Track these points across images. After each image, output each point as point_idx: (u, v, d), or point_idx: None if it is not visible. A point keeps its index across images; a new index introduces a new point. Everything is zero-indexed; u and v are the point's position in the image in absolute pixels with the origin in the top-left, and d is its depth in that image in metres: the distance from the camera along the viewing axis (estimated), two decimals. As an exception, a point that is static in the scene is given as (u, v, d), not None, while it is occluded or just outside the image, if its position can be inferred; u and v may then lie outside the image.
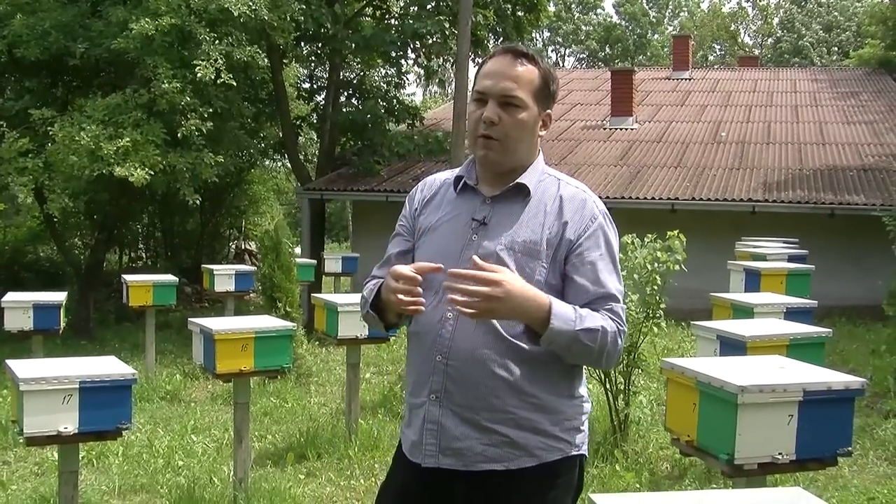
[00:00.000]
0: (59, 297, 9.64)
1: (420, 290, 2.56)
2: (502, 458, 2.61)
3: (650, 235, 7.36)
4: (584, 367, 2.79)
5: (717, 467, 3.92)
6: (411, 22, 17.69)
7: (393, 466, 2.88)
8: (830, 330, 5.92)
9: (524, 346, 2.59)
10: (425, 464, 2.66)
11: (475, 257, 2.51)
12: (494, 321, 2.57)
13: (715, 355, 5.47)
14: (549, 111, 2.75)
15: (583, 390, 2.75)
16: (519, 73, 2.67)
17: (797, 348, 5.35)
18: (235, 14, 13.60)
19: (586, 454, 2.77)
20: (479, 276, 2.44)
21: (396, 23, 19.22)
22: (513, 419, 2.59)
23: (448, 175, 2.87)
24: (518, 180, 2.70)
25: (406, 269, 2.56)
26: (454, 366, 2.61)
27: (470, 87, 2.93)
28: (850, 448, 3.84)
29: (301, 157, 21.01)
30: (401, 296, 2.55)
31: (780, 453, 3.69)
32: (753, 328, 5.57)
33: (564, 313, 2.51)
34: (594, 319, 2.54)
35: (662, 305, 7.28)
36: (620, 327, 2.59)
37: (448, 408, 2.62)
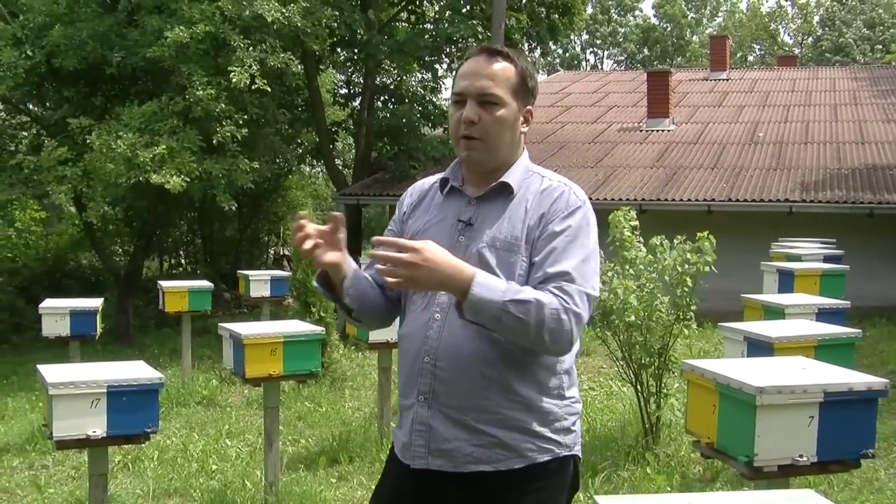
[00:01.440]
0: (96, 303, 9.75)
1: (306, 225, 2.64)
2: (491, 458, 2.61)
3: (679, 237, 7.32)
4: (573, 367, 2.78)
5: (737, 469, 3.90)
6: (445, 26, 17.73)
7: (386, 468, 2.89)
8: (860, 331, 5.84)
9: (509, 345, 2.57)
10: (415, 465, 2.66)
11: (377, 237, 2.55)
12: None
13: (742, 356, 5.43)
14: (529, 107, 2.76)
15: (574, 391, 2.74)
16: (495, 70, 2.68)
17: (825, 349, 5.29)
18: (269, 21, 13.73)
19: (580, 455, 2.76)
20: (400, 242, 2.46)
21: (431, 27, 19.27)
22: (501, 420, 2.59)
23: (436, 179, 2.89)
24: (502, 179, 2.71)
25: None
26: (442, 367, 2.61)
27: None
28: (873, 450, 3.79)
29: (338, 162, 21.12)
30: (304, 246, 2.64)
31: (800, 455, 3.65)
32: (781, 329, 5.53)
33: (490, 284, 2.47)
34: (530, 293, 2.49)
35: (693, 307, 7.23)
36: (567, 304, 2.50)
37: (437, 409, 2.63)
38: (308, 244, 2.65)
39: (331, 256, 2.69)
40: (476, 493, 2.64)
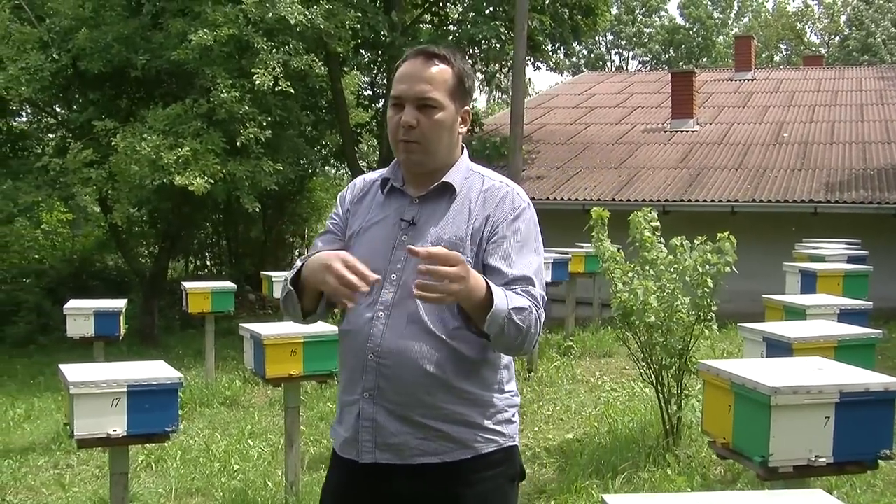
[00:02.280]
0: (120, 304, 9.83)
1: (364, 287, 2.51)
2: (437, 451, 2.64)
3: (700, 238, 7.30)
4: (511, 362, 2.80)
5: (752, 470, 3.89)
6: (468, 28, 17.74)
7: (330, 465, 2.90)
8: (880, 331, 5.79)
9: (454, 343, 2.62)
10: (363, 460, 2.67)
11: (412, 247, 2.46)
12: (424, 318, 2.60)
13: (761, 357, 5.41)
14: (466, 108, 2.79)
15: (512, 385, 2.79)
16: (432, 74, 2.70)
17: (845, 350, 5.26)
18: (292, 23, 13.78)
19: (518, 444, 2.81)
20: (444, 254, 2.40)
21: (454, 29, 19.28)
22: (446, 414, 2.63)
23: (375, 176, 2.90)
24: (444, 179, 2.74)
25: (365, 269, 2.50)
26: (386, 364, 2.63)
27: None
28: (890, 451, 3.78)
29: (362, 164, 21.15)
30: (347, 279, 2.47)
31: (816, 456, 3.64)
32: (800, 330, 5.50)
33: (498, 292, 2.51)
34: (520, 298, 2.55)
35: (714, 308, 7.21)
36: (537, 310, 2.59)
37: (381, 405, 2.65)
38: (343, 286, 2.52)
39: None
40: (424, 485, 2.67)
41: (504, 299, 2.51)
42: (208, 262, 25.33)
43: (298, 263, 2.76)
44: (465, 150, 2.86)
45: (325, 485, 2.92)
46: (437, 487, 2.67)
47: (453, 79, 2.73)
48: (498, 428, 2.71)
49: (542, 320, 2.63)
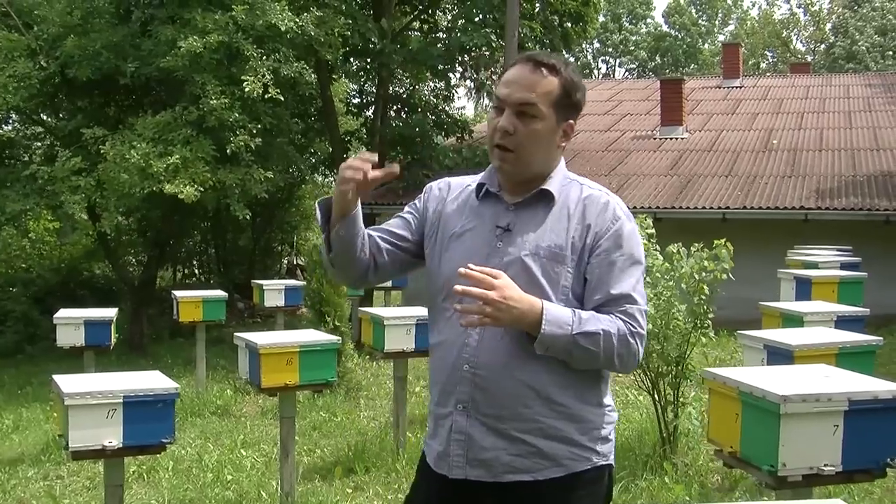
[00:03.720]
0: (110, 313, 9.76)
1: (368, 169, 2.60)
2: (530, 468, 2.58)
3: (696, 245, 7.27)
4: (611, 375, 2.76)
5: (760, 479, 3.85)
6: (458, 35, 17.71)
7: (417, 478, 2.85)
8: (881, 338, 5.78)
9: (551, 354, 2.55)
10: (452, 475, 2.63)
11: (471, 264, 2.49)
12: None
13: (762, 364, 5.38)
14: (571, 121, 2.71)
15: (609, 399, 2.72)
16: (537, 82, 2.63)
17: (846, 357, 5.24)
18: (282, 30, 13.73)
19: (613, 464, 2.74)
20: (485, 272, 2.45)
21: (444, 36, 19.26)
22: (541, 429, 2.57)
23: (468, 181, 2.84)
24: (542, 186, 2.68)
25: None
26: (482, 375, 2.57)
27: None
28: (899, 459, 3.75)
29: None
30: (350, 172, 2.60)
31: (825, 464, 3.60)
32: (801, 337, 5.48)
33: (559, 317, 2.49)
34: (596, 322, 2.51)
35: (711, 315, 7.18)
36: (634, 329, 2.54)
37: (476, 418, 2.59)
38: (354, 176, 2.61)
39: (351, 192, 2.64)
40: (513, 503, 2.61)
41: (567, 324, 2.48)
42: (196, 271, 25.20)
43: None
44: (563, 160, 2.79)
45: (410, 497, 2.89)
46: None
47: (559, 90, 2.66)
48: (592, 445, 2.63)
49: (643, 336, 2.57)
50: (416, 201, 2.90)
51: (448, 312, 2.66)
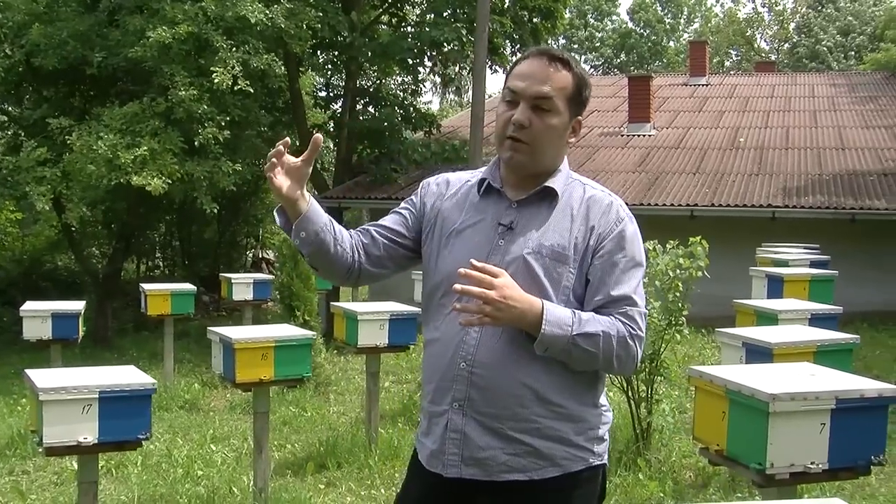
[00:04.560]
0: (78, 306, 9.63)
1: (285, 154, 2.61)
2: (526, 468, 2.56)
3: (672, 242, 7.28)
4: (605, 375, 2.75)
5: (747, 477, 3.85)
6: (428, 30, 17.64)
7: (409, 476, 2.82)
8: (857, 336, 5.83)
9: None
10: (447, 474, 2.60)
11: (473, 260, 2.47)
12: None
13: (740, 362, 5.40)
14: (579, 118, 2.70)
15: (604, 399, 2.72)
16: (553, 77, 2.61)
17: (824, 355, 5.27)
18: (252, 22, 13.61)
19: (608, 463, 2.73)
20: (486, 269, 2.44)
21: (413, 30, 19.19)
22: (538, 429, 2.55)
23: (468, 176, 2.82)
24: (546, 184, 2.66)
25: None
26: (479, 374, 2.55)
27: (490, 91, 2.86)
28: (883, 457, 3.76)
29: (318, 165, 20.98)
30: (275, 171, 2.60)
31: (812, 462, 3.61)
32: (780, 335, 5.50)
33: (559, 318, 2.48)
34: (596, 324, 2.51)
35: (685, 312, 7.20)
36: (634, 331, 2.54)
37: (472, 416, 2.57)
38: (272, 171, 2.60)
39: (283, 182, 2.61)
40: (508, 502, 2.59)
41: (567, 325, 2.47)
42: (161, 263, 24.97)
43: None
44: (566, 159, 2.77)
45: (401, 495, 2.85)
46: None
47: (573, 86, 2.65)
48: (588, 445, 2.62)
49: (642, 339, 2.58)
50: (413, 197, 2.86)
51: (446, 309, 2.63)
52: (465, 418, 2.57)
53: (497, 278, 2.44)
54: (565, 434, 2.57)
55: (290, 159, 2.62)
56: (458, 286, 2.43)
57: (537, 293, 2.52)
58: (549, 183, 2.66)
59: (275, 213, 2.70)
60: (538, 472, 2.56)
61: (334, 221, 2.71)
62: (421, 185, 2.88)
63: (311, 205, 2.64)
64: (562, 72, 2.63)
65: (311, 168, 2.66)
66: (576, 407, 2.59)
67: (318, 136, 2.67)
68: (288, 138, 2.70)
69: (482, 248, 2.61)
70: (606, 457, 2.71)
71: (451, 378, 2.59)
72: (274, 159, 2.59)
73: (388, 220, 2.83)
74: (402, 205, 2.86)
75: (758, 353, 5.27)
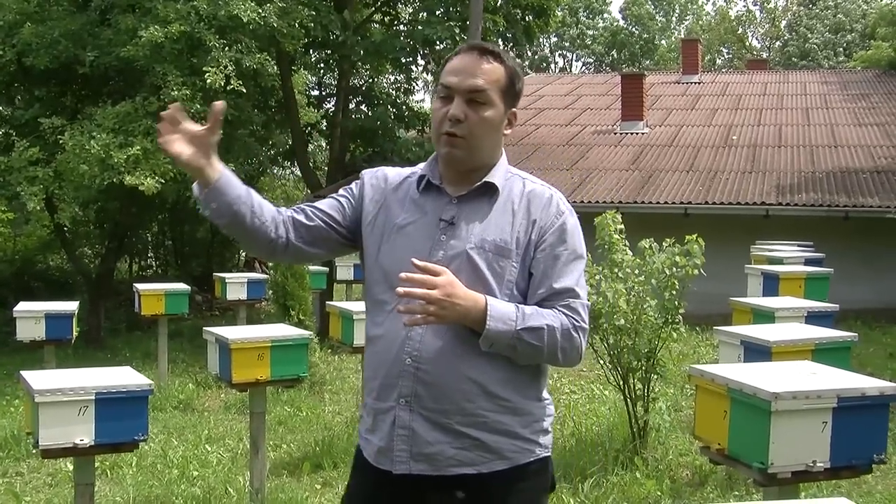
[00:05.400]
0: (72, 306, 9.58)
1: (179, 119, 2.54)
2: (474, 461, 2.57)
3: (668, 240, 7.28)
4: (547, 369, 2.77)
5: (748, 476, 3.83)
6: (421, 28, 17.61)
7: (354, 475, 2.81)
8: (856, 334, 5.84)
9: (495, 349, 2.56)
10: (396, 470, 2.60)
11: (414, 260, 2.48)
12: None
13: (738, 360, 5.39)
14: (514, 109, 2.72)
15: (547, 393, 2.74)
16: (486, 70, 2.63)
17: (822, 353, 5.27)
18: (245, 21, 13.56)
19: (551, 455, 2.76)
20: (430, 268, 2.45)
21: (406, 29, 19.16)
22: (485, 422, 2.56)
23: (406, 172, 2.82)
24: (486, 179, 2.67)
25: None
26: (425, 369, 2.56)
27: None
28: (884, 455, 3.75)
29: (311, 164, 20.94)
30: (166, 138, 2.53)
31: (814, 461, 3.60)
32: (778, 333, 5.49)
33: (503, 313, 2.50)
34: (540, 317, 2.53)
35: (681, 310, 7.19)
36: (577, 323, 2.57)
37: (418, 412, 2.57)
38: (167, 134, 2.53)
39: (182, 150, 2.53)
40: (458, 497, 2.60)
41: (511, 320, 2.50)
42: (154, 263, 24.92)
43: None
44: (505, 153, 2.78)
45: (347, 495, 2.83)
46: (472, 499, 2.60)
47: (505, 78, 2.67)
48: (535, 438, 2.65)
49: (585, 330, 2.60)
50: (352, 187, 2.84)
51: (388, 305, 2.63)
52: (413, 414, 2.57)
53: (439, 276, 2.45)
54: (512, 427, 2.59)
55: (190, 127, 2.55)
56: (400, 289, 2.44)
57: (481, 288, 2.54)
58: (489, 178, 2.67)
59: (193, 186, 2.63)
60: (486, 466, 2.58)
61: (254, 193, 2.66)
62: (360, 175, 2.87)
63: (222, 175, 2.58)
64: (494, 64, 2.65)
65: (218, 136, 2.57)
66: (521, 400, 2.61)
67: (221, 102, 2.61)
68: (178, 103, 2.62)
69: (424, 245, 2.62)
70: (551, 449, 2.74)
71: (396, 374, 2.59)
72: (167, 126, 2.53)
73: (325, 204, 2.80)
74: (341, 192, 2.84)
75: (756, 352, 5.26)
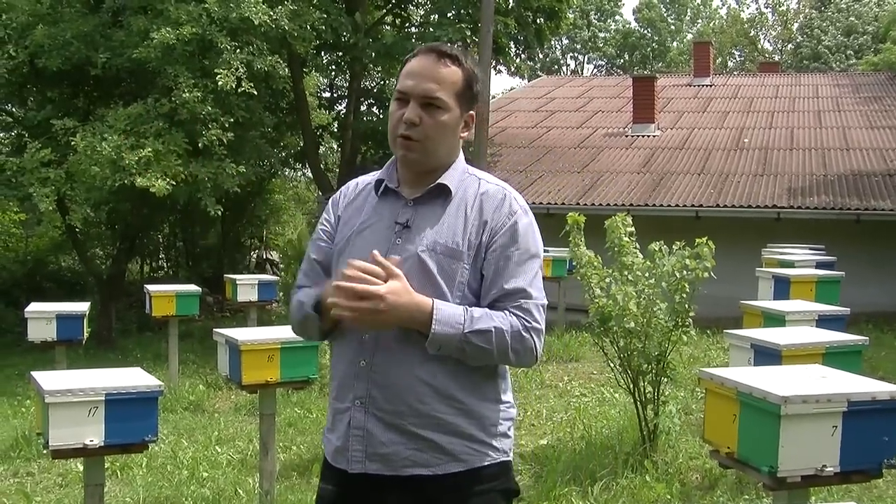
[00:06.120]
0: (83, 307, 9.60)
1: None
2: (429, 462, 2.58)
3: (678, 243, 7.26)
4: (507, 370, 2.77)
5: (758, 480, 3.82)
6: (432, 30, 17.63)
7: (322, 474, 2.81)
8: (867, 338, 5.81)
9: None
10: (352, 470, 2.61)
11: (375, 252, 2.51)
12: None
13: (749, 364, 5.37)
14: (471, 112, 2.73)
15: (508, 396, 2.73)
16: (442, 74, 2.63)
17: (833, 357, 5.25)
18: (256, 23, 13.61)
19: (511, 459, 2.75)
20: (360, 290, 2.45)
21: (417, 31, 19.18)
22: (439, 424, 2.57)
23: (369, 178, 2.83)
24: (439, 181, 2.67)
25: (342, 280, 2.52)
26: (378, 371, 2.57)
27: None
28: (895, 460, 3.73)
29: (322, 166, 20.98)
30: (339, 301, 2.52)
31: (823, 465, 3.58)
32: (788, 336, 5.47)
33: (449, 317, 2.50)
34: (489, 320, 2.53)
35: (692, 314, 7.16)
36: (528, 324, 2.57)
37: (373, 413, 2.58)
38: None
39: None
40: (415, 499, 2.60)
41: (458, 324, 2.51)
42: (165, 265, 24.97)
43: (304, 293, 2.74)
44: (462, 153, 2.79)
45: (318, 491, 2.84)
46: (427, 501, 2.61)
47: (462, 81, 2.67)
48: (491, 441, 2.64)
49: (540, 331, 2.61)
50: (326, 213, 2.87)
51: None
52: (367, 415, 2.58)
53: (388, 280, 2.47)
54: (465, 429, 2.59)
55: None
56: (336, 283, 2.48)
57: (432, 290, 2.55)
58: (443, 180, 2.67)
59: (311, 311, 2.68)
60: (441, 467, 2.58)
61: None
62: (331, 199, 2.90)
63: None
64: (451, 67, 2.65)
65: None
66: (475, 402, 2.61)
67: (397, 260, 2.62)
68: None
69: (380, 248, 2.61)
70: (511, 454, 2.73)
71: (352, 376, 2.61)
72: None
73: (316, 253, 2.82)
74: (321, 226, 2.86)
75: (766, 355, 5.25)
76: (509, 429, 2.71)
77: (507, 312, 2.56)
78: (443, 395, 2.56)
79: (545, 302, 2.64)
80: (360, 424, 2.59)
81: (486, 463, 2.62)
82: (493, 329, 2.52)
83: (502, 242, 2.61)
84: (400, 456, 2.57)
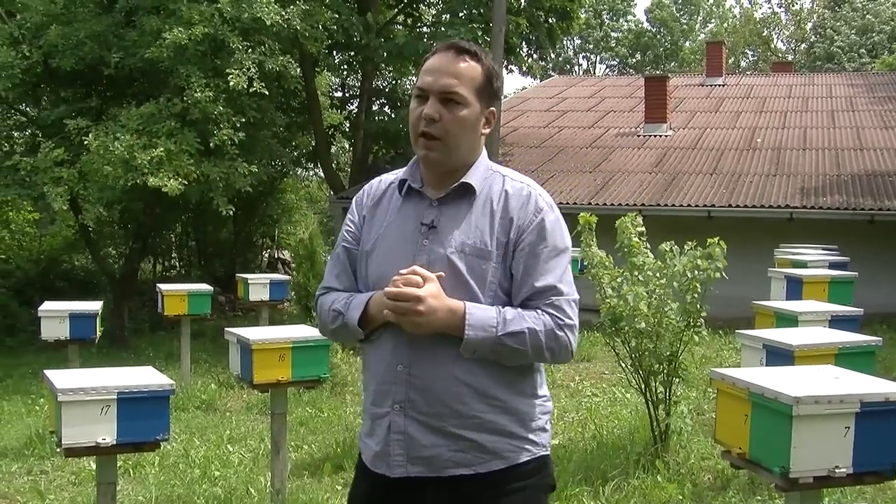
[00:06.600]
0: (95, 306, 9.63)
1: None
2: (471, 462, 2.58)
3: (690, 243, 7.24)
4: (545, 367, 2.79)
5: (770, 481, 3.81)
6: (444, 30, 17.64)
7: (357, 478, 2.82)
8: (881, 339, 5.78)
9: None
10: (393, 474, 2.61)
11: (416, 267, 2.52)
12: None
13: (761, 364, 5.35)
14: (492, 108, 2.72)
15: (544, 390, 2.74)
16: (461, 69, 2.63)
17: (846, 357, 5.21)
18: (268, 24, 13.64)
19: (549, 453, 2.75)
20: (404, 293, 2.47)
21: (429, 31, 19.18)
22: (479, 423, 2.57)
23: (392, 177, 2.82)
24: (463, 180, 2.66)
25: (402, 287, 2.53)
26: (416, 375, 2.57)
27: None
28: (909, 461, 3.71)
29: (334, 165, 21.00)
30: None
31: (836, 467, 3.57)
32: (801, 337, 5.44)
33: (482, 320, 2.52)
34: (522, 321, 2.54)
35: (703, 314, 7.15)
36: (561, 321, 2.58)
37: (413, 417, 2.58)
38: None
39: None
40: (456, 497, 2.60)
41: (491, 326, 2.51)
42: (177, 264, 25.02)
43: (343, 299, 2.73)
44: (485, 150, 2.78)
45: (352, 492, 2.85)
46: (471, 499, 2.60)
47: (482, 77, 2.66)
48: (531, 436, 2.65)
49: (573, 328, 2.61)
50: (351, 213, 2.86)
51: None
52: (407, 419, 2.58)
53: (423, 286, 2.49)
54: (506, 426, 2.60)
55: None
56: (384, 300, 2.52)
57: (463, 292, 2.56)
58: (467, 178, 2.66)
59: (356, 325, 2.68)
60: (483, 466, 2.58)
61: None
62: (355, 199, 2.88)
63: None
64: (469, 63, 2.65)
65: None
66: (514, 398, 2.62)
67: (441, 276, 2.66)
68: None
69: (408, 250, 2.63)
70: (549, 447, 2.74)
71: (390, 381, 2.61)
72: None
73: (346, 257, 2.82)
74: (346, 227, 2.85)
75: (779, 355, 5.22)
76: (547, 422, 2.72)
77: (539, 311, 2.57)
78: (481, 394, 2.57)
79: (577, 297, 2.64)
80: (400, 429, 2.59)
81: (525, 459, 2.63)
82: (526, 330, 2.52)
83: (530, 240, 2.61)
84: (442, 458, 2.57)
